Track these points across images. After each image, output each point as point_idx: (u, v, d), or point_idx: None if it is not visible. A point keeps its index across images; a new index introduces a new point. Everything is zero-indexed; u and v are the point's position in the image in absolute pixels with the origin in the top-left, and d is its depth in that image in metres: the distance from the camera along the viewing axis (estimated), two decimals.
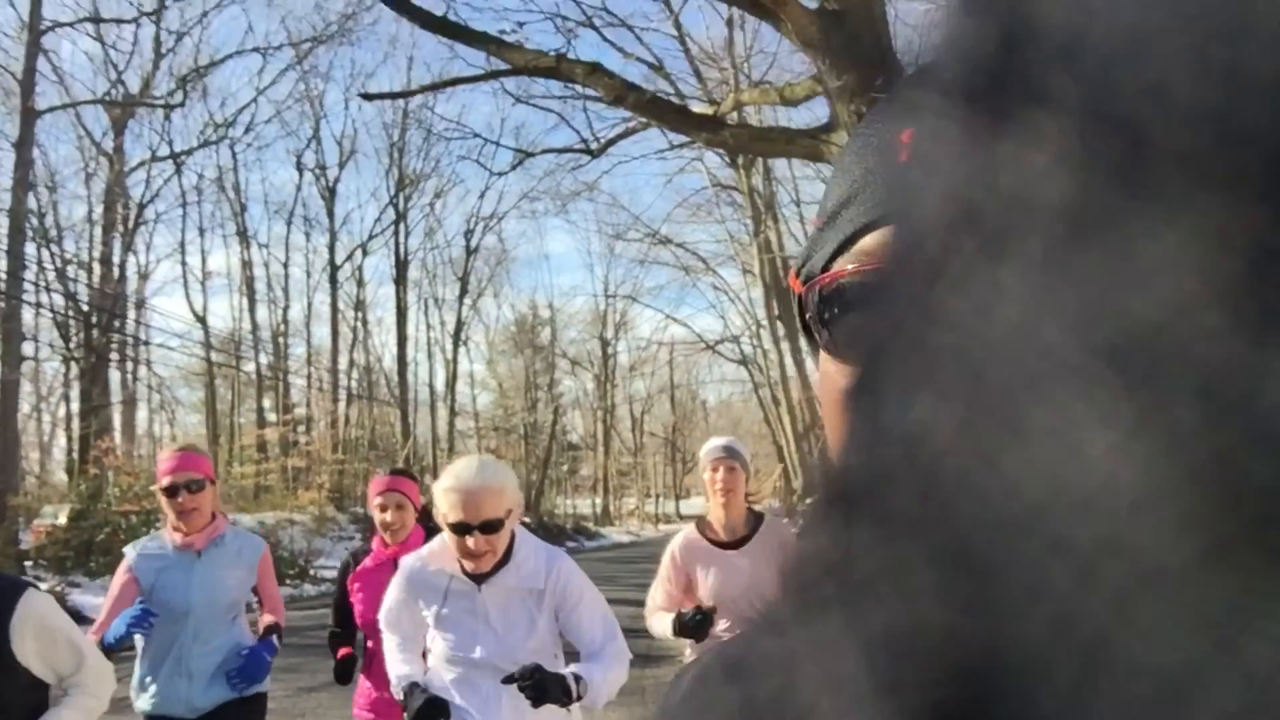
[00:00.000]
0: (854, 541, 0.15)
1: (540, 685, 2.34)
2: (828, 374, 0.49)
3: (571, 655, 2.59)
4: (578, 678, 2.43)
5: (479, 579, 2.49)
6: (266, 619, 3.40)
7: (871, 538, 0.14)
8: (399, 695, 2.57)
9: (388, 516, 3.46)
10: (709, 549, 3.35)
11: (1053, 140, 0.13)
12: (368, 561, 3.51)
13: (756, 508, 3.52)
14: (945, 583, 0.13)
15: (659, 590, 3.42)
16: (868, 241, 0.46)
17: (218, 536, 3.26)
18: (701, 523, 3.44)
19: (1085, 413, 0.12)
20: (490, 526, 2.40)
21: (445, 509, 2.41)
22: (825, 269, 0.49)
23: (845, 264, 0.47)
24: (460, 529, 2.39)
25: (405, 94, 18.26)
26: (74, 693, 2.35)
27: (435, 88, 13.95)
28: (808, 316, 0.51)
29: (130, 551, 3.28)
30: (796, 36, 9.49)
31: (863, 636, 0.14)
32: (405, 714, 2.49)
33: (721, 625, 3.19)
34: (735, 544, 3.35)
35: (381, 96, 14.89)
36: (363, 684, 3.56)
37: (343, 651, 3.58)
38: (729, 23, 21.30)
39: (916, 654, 0.13)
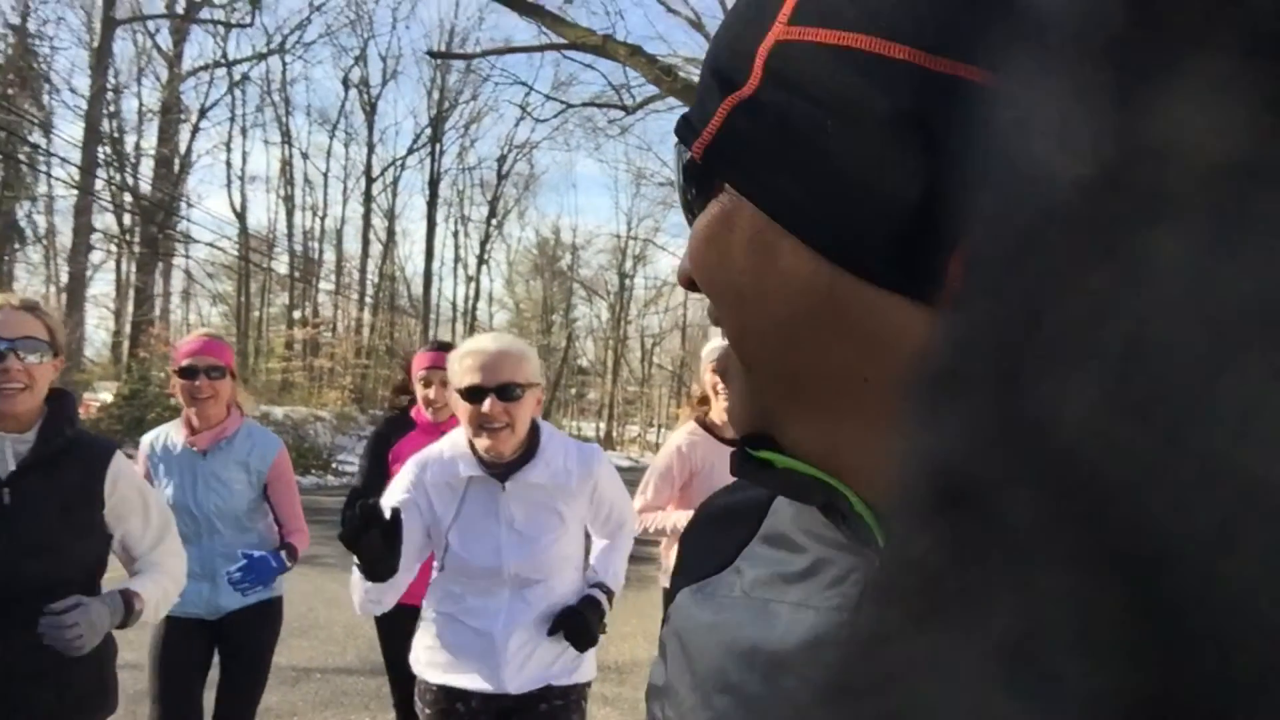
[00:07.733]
0: (968, 544, 0.13)
1: (584, 628, 2.15)
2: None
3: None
4: (607, 591, 2.24)
5: (502, 474, 2.15)
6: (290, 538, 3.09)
7: (992, 539, 0.13)
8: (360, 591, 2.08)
9: (431, 393, 3.25)
10: (716, 445, 3.32)
11: (1219, 86, 0.11)
12: (414, 433, 3.30)
13: None
14: (1105, 586, 0.12)
15: (655, 487, 3.31)
16: None
17: (224, 439, 2.98)
18: (704, 421, 3.37)
19: None
20: (508, 392, 2.07)
21: (459, 376, 2.11)
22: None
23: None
24: (474, 394, 2.07)
25: (470, 55, 19.75)
26: (152, 570, 2.13)
27: (497, 52, 15.53)
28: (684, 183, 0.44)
29: (144, 442, 3.03)
30: None
31: (989, 646, 0.12)
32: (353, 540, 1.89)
33: None
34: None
35: (449, 56, 16.54)
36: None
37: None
38: None
39: (1065, 664, 0.12)
